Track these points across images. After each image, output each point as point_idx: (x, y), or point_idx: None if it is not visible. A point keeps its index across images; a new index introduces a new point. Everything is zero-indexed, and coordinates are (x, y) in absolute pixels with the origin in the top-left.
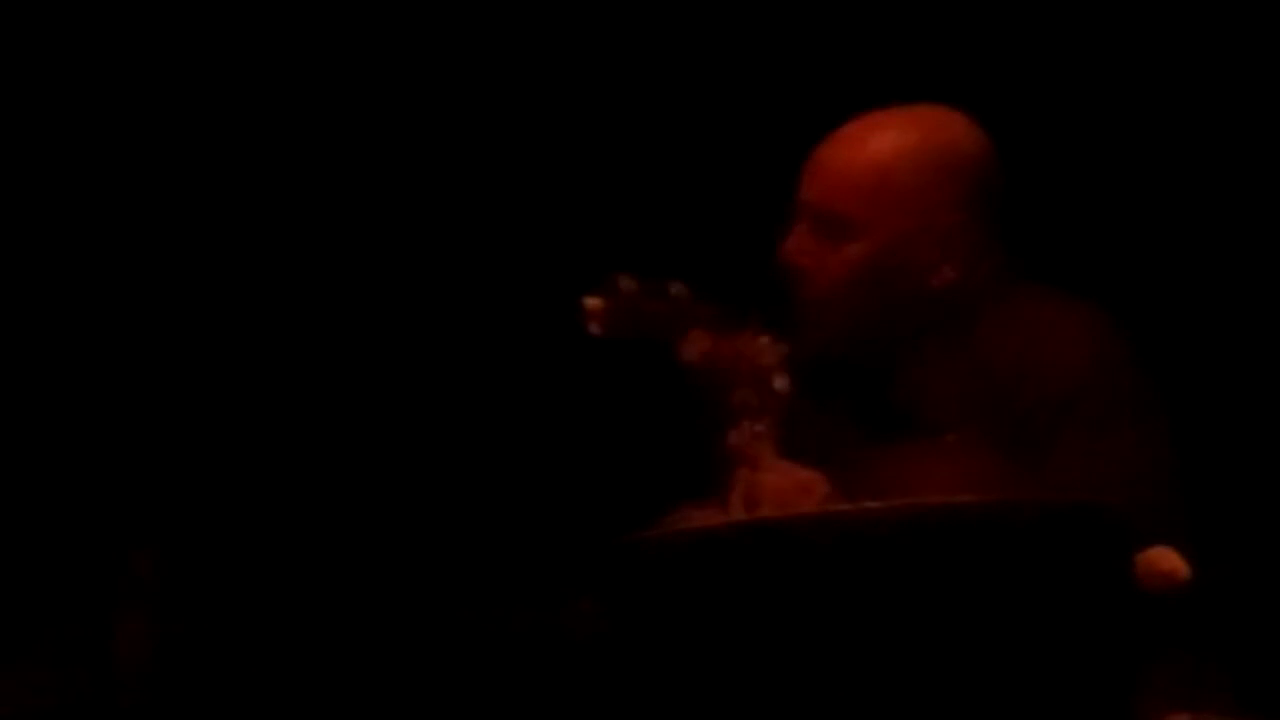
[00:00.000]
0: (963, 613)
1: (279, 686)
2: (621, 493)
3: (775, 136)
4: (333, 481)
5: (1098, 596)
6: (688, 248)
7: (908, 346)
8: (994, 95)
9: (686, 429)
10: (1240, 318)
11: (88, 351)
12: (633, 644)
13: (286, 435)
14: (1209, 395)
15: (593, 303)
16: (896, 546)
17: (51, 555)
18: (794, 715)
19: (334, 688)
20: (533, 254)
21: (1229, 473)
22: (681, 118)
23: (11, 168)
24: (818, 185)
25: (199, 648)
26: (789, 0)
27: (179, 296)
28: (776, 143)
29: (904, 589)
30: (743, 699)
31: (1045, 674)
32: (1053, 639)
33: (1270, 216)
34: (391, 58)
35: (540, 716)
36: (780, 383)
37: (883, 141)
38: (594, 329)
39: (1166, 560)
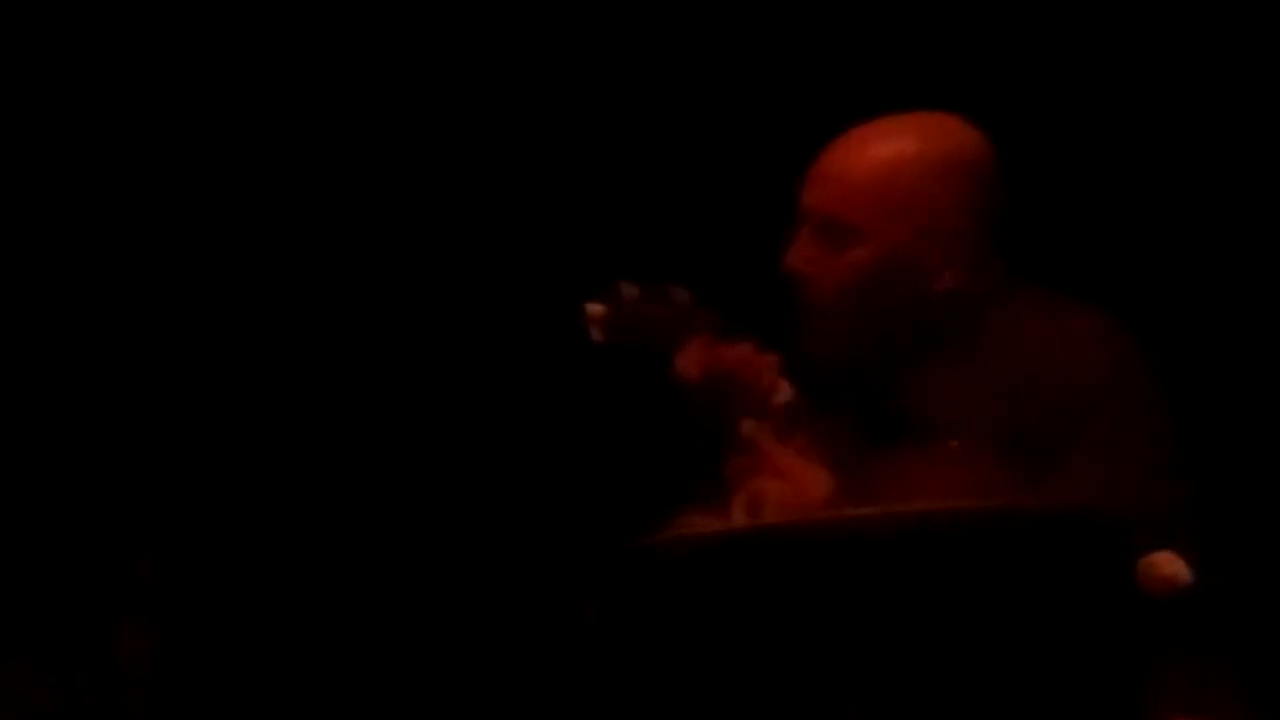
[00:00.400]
0: (964, 618)
1: (280, 690)
2: (624, 498)
3: (777, 143)
4: (334, 486)
5: (1099, 601)
6: (690, 254)
7: (911, 352)
8: (995, 100)
9: (688, 434)
10: (1241, 320)
11: (91, 360)
12: (635, 648)
13: (288, 442)
14: (1210, 397)
15: (594, 309)
16: (898, 552)
17: (54, 560)
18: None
19: (335, 690)
20: (535, 260)
21: (1231, 475)
22: (683, 124)
23: (12, 170)
24: (820, 192)
25: (199, 651)
26: (790, 7)
27: (182, 307)
28: (778, 149)
29: (906, 594)
30: (745, 704)
31: (1047, 679)
32: (1055, 644)
33: (1271, 219)
34: (393, 62)
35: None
36: (780, 393)
37: (885, 147)
38: (596, 335)
39: (1168, 565)
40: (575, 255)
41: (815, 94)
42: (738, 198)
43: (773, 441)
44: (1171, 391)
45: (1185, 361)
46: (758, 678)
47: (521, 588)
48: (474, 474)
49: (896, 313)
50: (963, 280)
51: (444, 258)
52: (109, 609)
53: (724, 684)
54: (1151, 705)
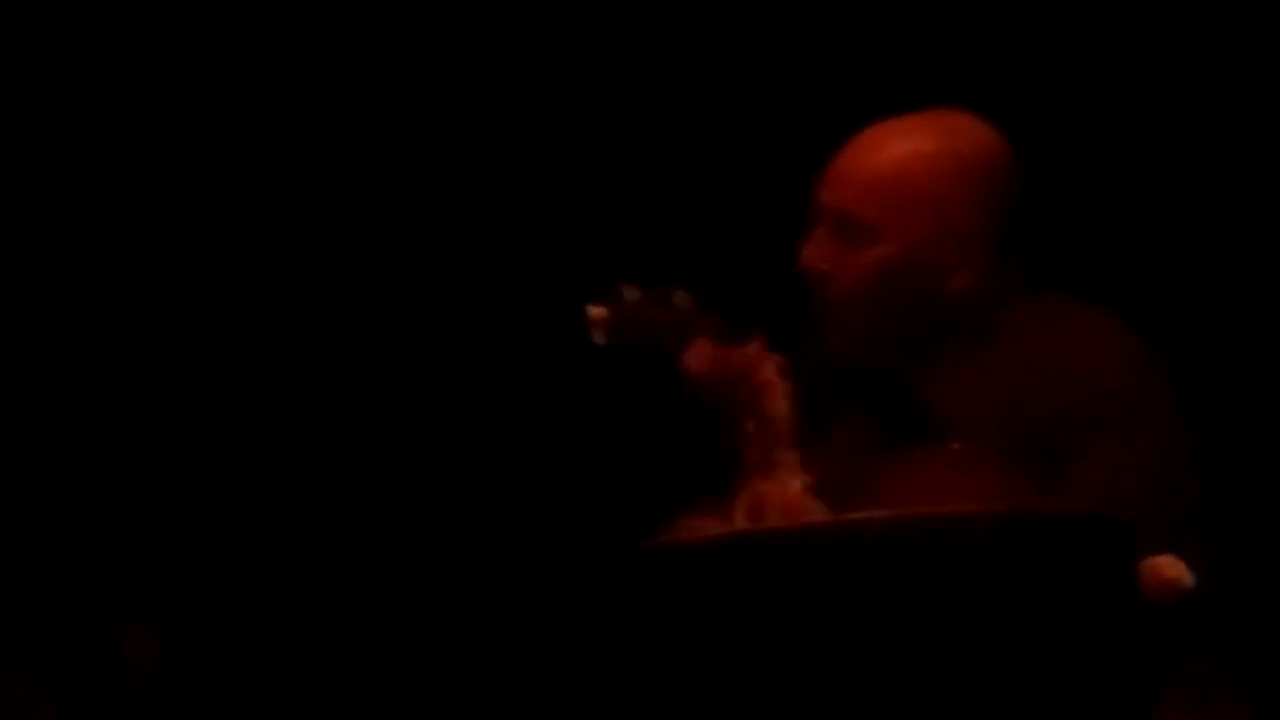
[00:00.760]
0: (968, 621)
1: (282, 694)
2: (626, 501)
3: (783, 144)
4: (337, 490)
5: (1102, 605)
6: (692, 256)
7: (925, 352)
8: (1008, 101)
9: (690, 438)
10: (1243, 321)
11: (94, 364)
12: (637, 652)
13: (291, 446)
14: (1211, 398)
15: (597, 311)
16: (902, 555)
17: (56, 564)
18: None
19: (338, 694)
20: (538, 262)
21: (1233, 476)
22: (688, 125)
23: (12, 170)
24: (837, 189)
25: (202, 656)
26: (800, 7)
27: (184, 311)
28: (784, 151)
29: (908, 598)
30: (747, 708)
31: (1051, 683)
32: (1058, 648)
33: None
34: (395, 64)
35: None
36: (782, 398)
37: (902, 146)
38: (598, 337)
39: (1171, 568)
40: (578, 257)
41: (820, 94)
42: (741, 199)
43: (774, 447)
44: (1183, 393)
45: (1190, 362)
46: (760, 682)
47: (523, 592)
48: (476, 477)
49: (910, 311)
50: (977, 280)
51: (446, 260)
52: (112, 613)
53: (727, 688)
54: (1155, 708)
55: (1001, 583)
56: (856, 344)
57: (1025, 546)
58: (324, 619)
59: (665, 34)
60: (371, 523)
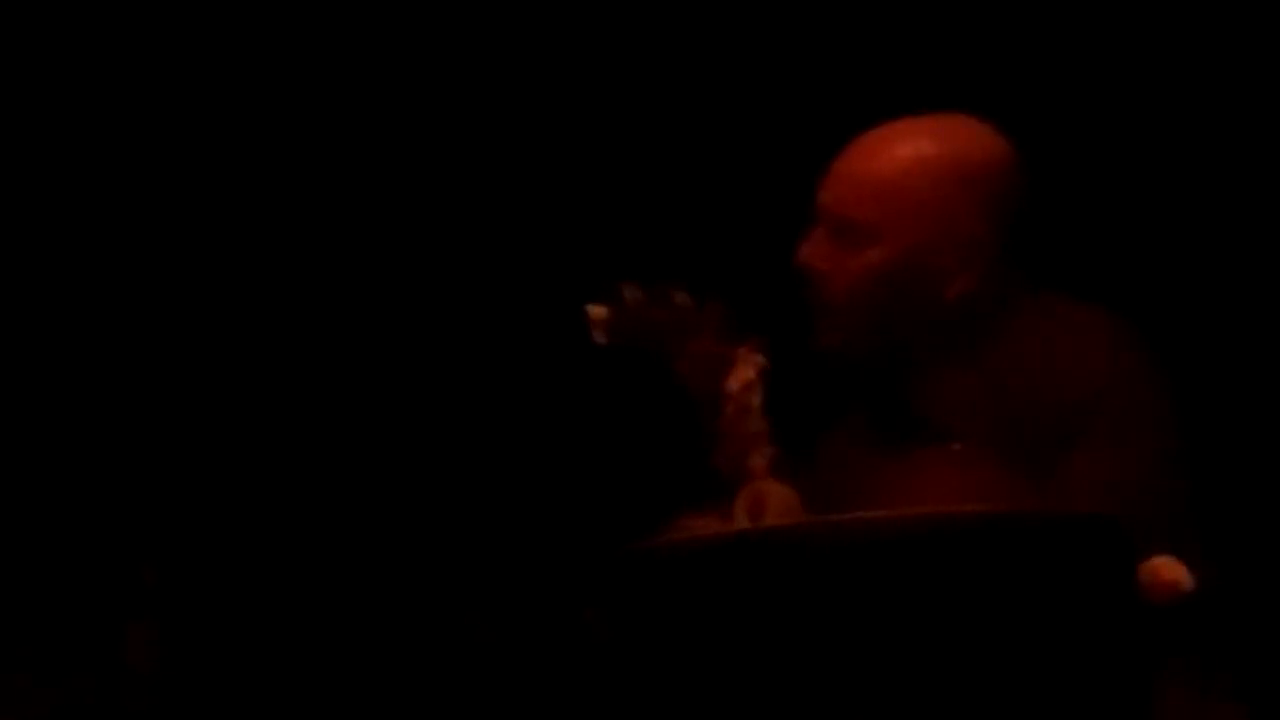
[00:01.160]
0: (967, 623)
1: (285, 694)
2: (625, 501)
3: (783, 145)
4: (337, 491)
5: (1101, 607)
6: (693, 256)
7: (921, 355)
8: (1005, 102)
9: (688, 437)
10: (1241, 321)
11: (98, 366)
12: (637, 653)
13: (293, 447)
14: (1210, 399)
15: (597, 310)
16: (901, 556)
17: (61, 564)
18: None
19: (339, 695)
20: (538, 262)
21: (1237, 479)
22: (689, 126)
23: (12, 170)
24: (837, 190)
25: (206, 656)
26: (801, 7)
27: (185, 312)
28: (786, 152)
29: (908, 598)
30: (747, 708)
31: (1049, 685)
32: (1057, 650)
33: (1270, 219)
34: (394, 62)
35: None
36: (756, 398)
37: (905, 149)
38: (598, 337)
39: (1170, 570)
40: (578, 257)
41: (823, 95)
42: (743, 200)
43: (759, 447)
44: (1179, 392)
45: (1189, 362)
46: (761, 681)
47: (523, 592)
48: (475, 478)
49: (907, 315)
50: (976, 286)
51: (445, 260)
52: (115, 613)
53: (727, 688)
54: (1153, 710)
55: (1001, 583)
56: (850, 344)
57: (1025, 547)
58: (325, 620)
59: (666, 34)
60: (371, 523)
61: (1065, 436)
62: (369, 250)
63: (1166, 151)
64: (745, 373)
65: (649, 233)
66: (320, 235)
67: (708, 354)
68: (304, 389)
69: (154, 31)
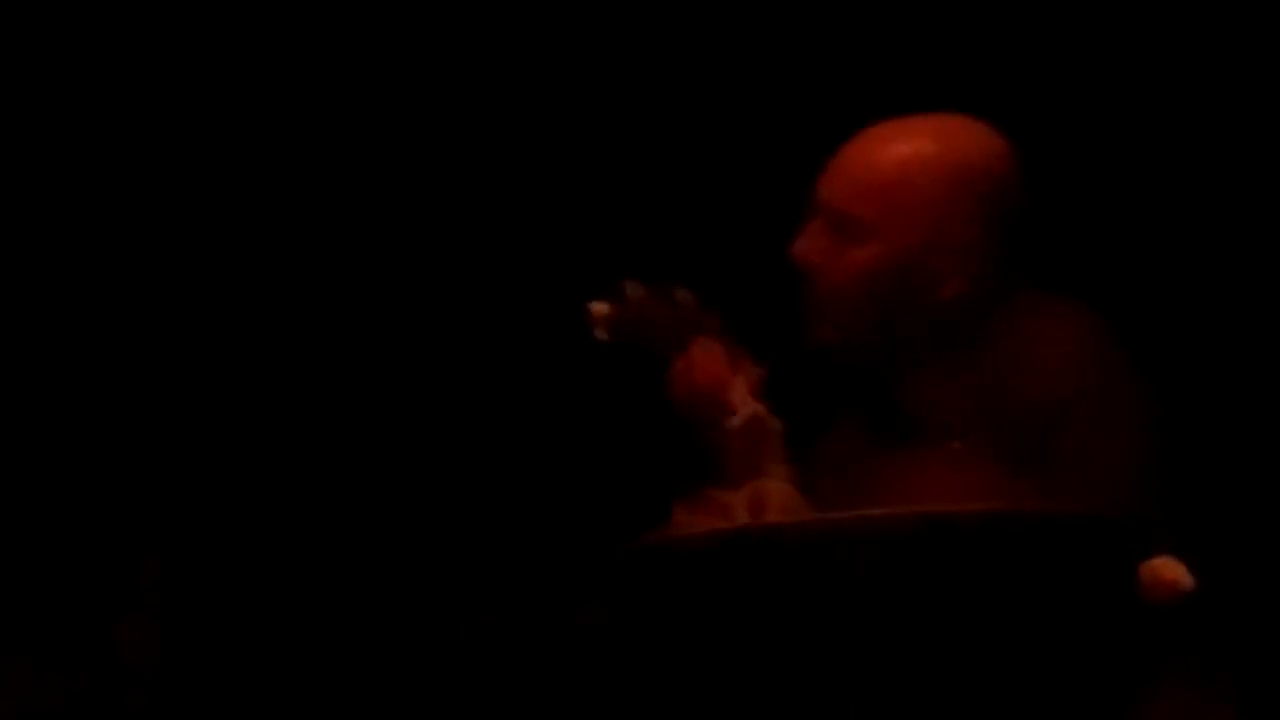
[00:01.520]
0: (965, 621)
1: (283, 689)
2: (626, 498)
3: (785, 145)
4: (337, 486)
5: (1100, 606)
6: (695, 255)
7: (914, 354)
8: (1002, 103)
9: (689, 434)
10: (1239, 320)
11: (95, 359)
12: (638, 649)
13: (291, 442)
14: (1209, 398)
15: (599, 308)
16: (901, 553)
17: (58, 558)
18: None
19: (337, 691)
20: (539, 259)
21: (1231, 477)
22: (691, 125)
23: (12, 170)
24: (835, 184)
25: (203, 651)
26: (801, 6)
27: (184, 306)
28: (786, 151)
29: (907, 596)
30: (747, 704)
31: (1047, 684)
32: (1055, 649)
33: (1269, 220)
34: (394, 59)
35: None
36: (740, 414)
37: (904, 148)
38: (600, 334)
39: (1170, 570)
40: (579, 255)
41: (825, 95)
42: (743, 199)
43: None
44: (1167, 392)
45: (1184, 363)
46: (759, 678)
47: (525, 588)
48: (476, 474)
49: (900, 313)
50: (968, 288)
51: (447, 258)
52: (112, 607)
53: (726, 684)
54: (1149, 709)
55: (998, 582)
56: (842, 340)
57: (1022, 546)
58: (324, 616)
59: (666, 32)
60: (371, 520)
61: (1041, 436)
62: (369, 247)
63: (1160, 153)
64: (739, 392)
65: (651, 231)
66: (320, 233)
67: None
68: (304, 383)
69: (154, 31)
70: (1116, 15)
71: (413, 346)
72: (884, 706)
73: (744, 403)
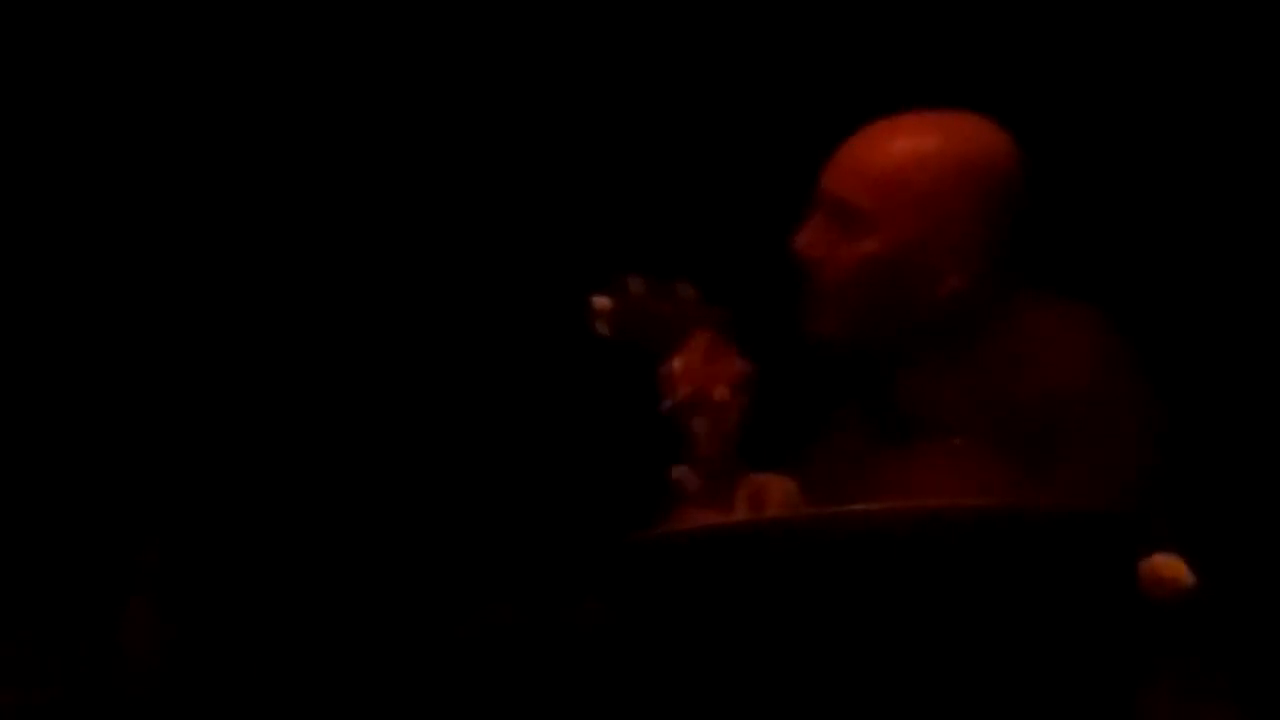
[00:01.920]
0: (965, 616)
1: (284, 678)
2: (627, 492)
3: (788, 141)
4: (338, 478)
5: (1101, 603)
6: (697, 250)
7: (912, 349)
8: (999, 101)
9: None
10: (1240, 320)
11: (96, 345)
12: (638, 643)
13: (292, 431)
14: (1209, 397)
15: (601, 302)
16: (900, 549)
17: (59, 546)
18: (797, 715)
19: (337, 681)
20: (540, 254)
21: (1232, 475)
22: (693, 121)
23: (12, 168)
24: (839, 176)
25: (205, 638)
26: (804, 4)
27: (183, 295)
28: (788, 147)
29: (907, 591)
30: (747, 698)
31: (1047, 680)
32: (1055, 646)
33: (1270, 219)
34: (394, 57)
35: (545, 715)
36: (725, 413)
37: (909, 143)
38: (601, 329)
39: (1171, 567)
40: (580, 250)
41: (827, 92)
42: (745, 194)
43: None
44: (1168, 392)
45: (1185, 363)
46: (760, 672)
47: (524, 581)
48: (477, 467)
49: (898, 308)
50: (967, 284)
51: (448, 251)
52: (113, 596)
53: (727, 678)
54: (1148, 706)
55: (998, 578)
56: (840, 333)
57: (1022, 542)
58: (323, 606)
59: (667, 29)
60: (373, 511)
61: (1042, 434)
62: (369, 237)
63: (1160, 152)
64: (721, 394)
65: (653, 226)
66: (321, 226)
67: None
68: (305, 375)
69: (154, 31)
70: (1121, 14)
71: (413, 340)
72: (883, 702)
73: (684, 385)
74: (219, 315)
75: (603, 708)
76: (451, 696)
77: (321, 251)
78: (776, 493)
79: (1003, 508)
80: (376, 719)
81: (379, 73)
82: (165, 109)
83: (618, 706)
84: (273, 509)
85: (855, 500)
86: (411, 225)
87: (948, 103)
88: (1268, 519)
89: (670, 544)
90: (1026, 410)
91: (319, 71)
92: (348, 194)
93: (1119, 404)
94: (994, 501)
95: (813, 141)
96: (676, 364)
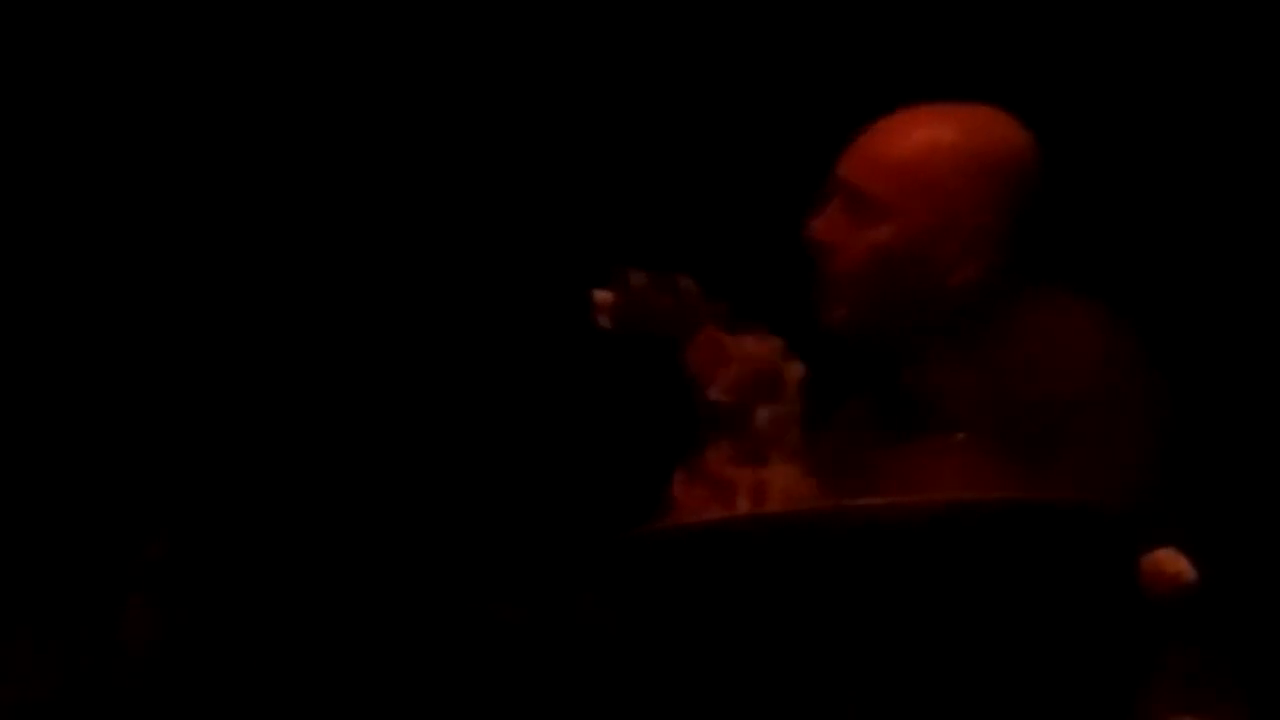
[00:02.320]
0: (967, 611)
1: (284, 673)
2: (625, 486)
3: (794, 134)
4: (338, 473)
5: (1102, 598)
6: (699, 243)
7: (919, 339)
8: (1014, 96)
9: (690, 424)
10: (1242, 318)
11: (98, 340)
12: (637, 638)
13: (293, 426)
14: (1209, 396)
15: (602, 296)
16: (902, 543)
17: (60, 540)
18: (797, 711)
19: (337, 676)
20: (541, 248)
21: (1234, 473)
22: (697, 114)
23: (11, 166)
24: (854, 164)
25: (205, 633)
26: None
27: (184, 294)
28: (795, 140)
29: (909, 586)
30: (747, 694)
31: (1049, 675)
32: (1057, 640)
33: (1272, 217)
34: (393, 55)
35: (545, 711)
36: (793, 372)
37: (927, 132)
38: (603, 322)
39: (1172, 563)
40: (582, 244)
41: (832, 86)
42: (749, 188)
43: (785, 432)
44: (1174, 387)
45: (1190, 360)
46: (761, 667)
47: (522, 576)
48: (474, 463)
49: (906, 297)
50: (979, 275)
51: (449, 246)
52: (114, 589)
53: (727, 673)
54: (1149, 703)
55: (1000, 573)
56: (851, 321)
57: (1024, 537)
58: (323, 601)
59: (672, 21)
60: (372, 506)
61: (1048, 430)
62: (369, 233)
63: (1169, 148)
64: (777, 358)
65: (655, 219)
66: (322, 224)
67: (723, 352)
68: (306, 371)
69: (154, 31)
70: (1133, 12)
71: (412, 335)
72: (885, 696)
73: (793, 362)
74: (219, 314)
75: (604, 704)
76: (450, 690)
77: (322, 250)
78: (779, 487)
79: (1004, 502)
80: (376, 717)
81: (379, 72)
82: (165, 109)
83: (619, 703)
84: (273, 507)
85: (860, 493)
86: (412, 223)
87: (961, 97)
88: (1269, 513)
89: (670, 540)
90: (1032, 406)
91: (319, 71)
92: (348, 192)
93: (1125, 401)
94: (996, 496)
95: (821, 134)
96: (735, 347)
